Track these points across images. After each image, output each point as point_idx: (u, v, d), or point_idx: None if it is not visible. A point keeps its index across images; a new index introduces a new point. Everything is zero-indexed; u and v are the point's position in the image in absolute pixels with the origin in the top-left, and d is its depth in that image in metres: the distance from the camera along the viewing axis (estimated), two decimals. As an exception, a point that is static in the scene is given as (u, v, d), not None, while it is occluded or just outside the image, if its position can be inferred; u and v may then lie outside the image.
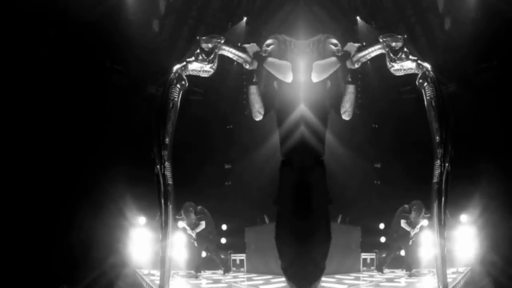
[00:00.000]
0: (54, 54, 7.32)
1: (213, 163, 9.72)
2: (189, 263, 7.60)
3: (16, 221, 6.31)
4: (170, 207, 3.54)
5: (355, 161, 9.34)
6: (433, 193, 3.55)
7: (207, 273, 8.01)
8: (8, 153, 6.60)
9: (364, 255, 8.67)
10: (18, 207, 6.42)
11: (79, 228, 6.77)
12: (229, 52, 3.77)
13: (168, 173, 3.54)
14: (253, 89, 3.64)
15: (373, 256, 8.74)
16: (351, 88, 3.69)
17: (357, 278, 7.37)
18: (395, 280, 6.94)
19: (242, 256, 8.76)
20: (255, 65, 3.65)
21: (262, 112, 3.68)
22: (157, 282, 5.95)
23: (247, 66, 3.70)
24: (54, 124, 7.17)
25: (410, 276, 7.12)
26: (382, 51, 3.80)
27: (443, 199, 3.52)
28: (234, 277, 7.80)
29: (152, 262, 7.50)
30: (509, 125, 7.53)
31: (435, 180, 3.56)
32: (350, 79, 3.71)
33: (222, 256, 8.21)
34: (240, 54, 3.71)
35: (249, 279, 7.56)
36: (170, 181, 3.56)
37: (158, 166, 3.52)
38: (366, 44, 3.84)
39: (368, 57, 3.83)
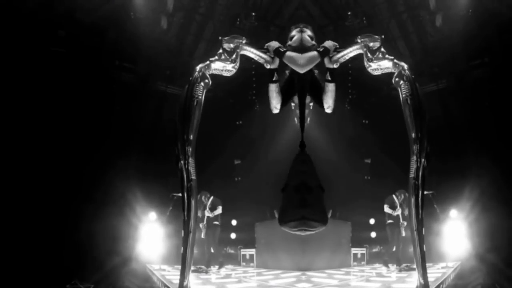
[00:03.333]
0: (63, 53, 7.41)
1: (222, 158, 9.76)
2: (199, 258, 7.67)
3: (27, 217, 6.43)
4: (193, 202, 3.58)
5: (345, 157, 9.36)
6: (410, 188, 3.59)
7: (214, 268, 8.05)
8: (21, 147, 6.73)
9: (354, 250, 8.72)
10: (28, 203, 6.53)
11: (90, 223, 6.85)
12: (250, 52, 3.97)
13: (192, 169, 3.62)
14: (272, 87, 3.88)
15: (364, 251, 8.78)
16: (331, 86, 3.88)
17: (348, 273, 7.40)
18: (385, 275, 6.96)
19: (252, 251, 8.82)
20: (276, 64, 3.82)
21: (279, 107, 3.97)
22: (168, 277, 6.07)
23: (268, 66, 3.88)
24: (65, 120, 7.27)
25: (400, 270, 7.15)
26: (360, 51, 3.96)
27: (420, 193, 3.55)
28: (244, 272, 7.86)
29: (162, 257, 7.60)
30: (500, 120, 7.52)
31: (411, 175, 3.62)
32: (329, 78, 3.89)
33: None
34: (262, 54, 3.92)
35: (258, 274, 7.62)
36: (193, 176, 3.63)
37: (182, 162, 3.59)
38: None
39: (347, 57, 4.02)
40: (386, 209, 7.63)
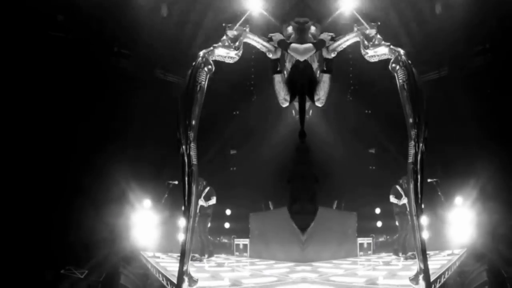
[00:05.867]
0: (62, 38, 7.37)
1: (218, 148, 9.77)
2: (194, 246, 7.72)
3: (21, 203, 6.43)
4: (194, 187, 3.55)
5: (350, 148, 9.37)
6: (409, 173, 3.59)
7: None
8: (18, 134, 6.71)
9: (360, 240, 8.78)
10: (22, 189, 6.53)
11: (85, 211, 6.87)
12: (253, 40, 3.95)
13: (193, 154, 3.60)
14: (278, 78, 3.94)
15: (370, 241, 8.84)
16: (325, 77, 3.94)
17: (355, 263, 7.46)
18: (392, 263, 7.02)
19: (246, 241, 8.88)
20: (278, 54, 3.83)
21: (288, 99, 3.97)
22: (162, 264, 6.12)
23: (271, 55, 3.90)
24: (61, 106, 7.25)
25: (406, 259, 7.22)
26: (357, 39, 3.94)
27: (419, 178, 3.55)
28: (237, 261, 7.93)
29: (156, 244, 7.64)
30: (501, 107, 7.50)
31: (410, 160, 3.61)
32: (325, 68, 3.88)
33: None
34: (265, 43, 3.90)
35: (252, 263, 7.68)
36: (195, 161, 3.61)
37: (184, 147, 3.56)
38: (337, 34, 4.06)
39: (344, 45, 4.03)
40: (392, 199, 7.67)
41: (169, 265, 5.92)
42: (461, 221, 7.29)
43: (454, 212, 7.42)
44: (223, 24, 3.96)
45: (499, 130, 7.43)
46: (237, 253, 8.91)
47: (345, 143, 9.30)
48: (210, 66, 3.77)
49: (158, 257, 7.13)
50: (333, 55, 3.97)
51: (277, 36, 3.92)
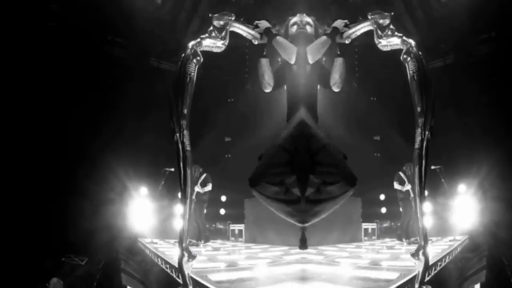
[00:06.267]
0: (56, 28, 7.38)
1: (213, 135, 9.86)
2: (190, 231, 7.86)
3: (19, 191, 6.52)
4: (188, 171, 3.76)
5: (355, 135, 9.46)
6: (415, 159, 3.78)
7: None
8: (12, 122, 6.77)
9: (365, 225, 8.97)
10: (20, 178, 6.61)
11: (82, 199, 6.97)
12: (239, 29, 4.03)
13: (186, 141, 3.76)
14: (263, 62, 3.94)
15: (374, 226, 9.02)
16: (339, 61, 3.95)
17: (359, 247, 7.64)
18: (395, 247, 7.21)
19: (241, 227, 9.04)
20: (264, 39, 3.90)
21: (272, 84, 3.99)
22: (161, 249, 6.26)
23: (256, 42, 3.96)
24: (56, 95, 7.30)
25: (409, 243, 7.38)
26: (371, 27, 4.01)
27: (423, 163, 3.74)
28: (233, 245, 8.10)
29: (153, 231, 7.77)
30: (506, 95, 7.60)
31: (416, 146, 3.78)
32: (339, 52, 3.96)
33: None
34: (250, 31, 4.00)
35: (247, 247, 7.86)
36: (188, 148, 3.78)
37: (177, 134, 3.72)
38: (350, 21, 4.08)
39: (358, 33, 4.06)
40: (396, 185, 7.79)
41: (167, 250, 6.07)
42: (464, 209, 7.40)
43: (457, 200, 7.54)
44: (209, 15, 4.03)
45: (504, 118, 7.54)
46: (232, 238, 9.09)
47: (350, 131, 9.40)
48: (198, 58, 3.88)
49: (156, 243, 7.27)
50: (347, 41, 4.06)
51: (263, 24, 4.00)
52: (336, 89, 4.02)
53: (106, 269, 6.11)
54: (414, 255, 3.59)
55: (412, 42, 3.91)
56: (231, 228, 9.21)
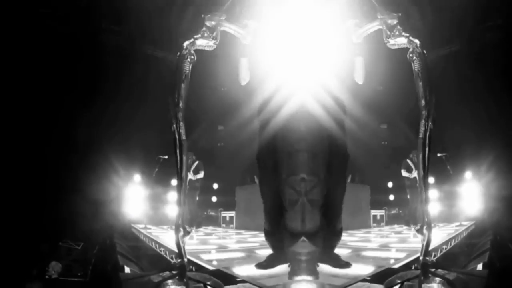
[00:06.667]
0: (48, 14, 7.39)
1: (206, 124, 9.97)
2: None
3: (8, 178, 6.59)
4: (184, 157, 4.19)
5: (362, 123, 9.54)
6: (419, 146, 4.31)
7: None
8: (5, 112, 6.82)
9: (374, 212, 9.18)
10: (12, 163, 6.67)
11: (74, 185, 7.06)
12: (230, 28, 4.33)
13: (182, 131, 4.13)
14: (243, 61, 4.36)
15: (383, 213, 9.25)
16: (359, 60, 4.43)
17: (368, 232, 7.86)
18: (403, 233, 7.50)
19: (232, 214, 9.25)
20: (249, 40, 4.14)
21: (247, 79, 4.42)
22: (154, 234, 6.45)
23: (245, 42, 4.25)
24: (49, 81, 7.33)
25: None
26: (379, 27, 4.31)
27: (427, 149, 4.25)
28: (224, 232, 8.31)
29: (147, 217, 7.94)
30: None
31: (420, 136, 4.25)
32: (357, 52, 4.39)
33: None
34: (239, 30, 4.24)
35: (238, 233, 8.07)
36: (184, 137, 4.17)
37: (174, 125, 4.10)
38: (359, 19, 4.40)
39: (368, 32, 4.36)
40: (404, 172, 7.93)
41: (161, 235, 6.25)
42: (470, 195, 7.59)
43: (464, 186, 7.74)
44: (202, 15, 4.27)
45: (511, 105, 7.48)
46: (223, 225, 9.30)
47: (357, 120, 9.46)
48: (192, 56, 4.20)
49: (150, 228, 7.45)
50: (360, 40, 4.38)
51: (252, 24, 4.25)
52: (360, 82, 4.52)
53: (101, 253, 6.25)
54: (419, 231, 4.04)
55: (417, 42, 4.23)
56: (222, 215, 9.41)
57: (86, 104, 7.69)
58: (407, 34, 4.26)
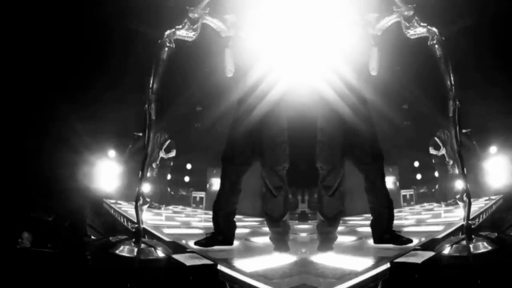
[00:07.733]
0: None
1: (184, 104, 10.03)
2: (151, 195, 8.19)
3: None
4: (151, 135, 4.58)
5: (383, 105, 9.58)
6: (450, 123, 4.61)
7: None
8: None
9: (403, 192, 9.47)
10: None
11: (46, 160, 7.08)
12: (211, 22, 4.48)
13: (153, 112, 4.53)
14: (227, 52, 4.56)
15: (412, 192, 9.58)
16: (375, 50, 4.65)
17: (400, 211, 8.20)
18: (434, 210, 7.84)
19: (202, 194, 9.44)
20: (231, 33, 4.31)
21: (233, 70, 4.61)
22: (124, 208, 6.59)
23: (223, 35, 4.40)
24: (32, 53, 7.28)
25: (447, 205, 7.94)
26: (398, 19, 4.66)
27: (457, 126, 4.53)
28: (193, 211, 8.51)
29: (119, 193, 8.04)
30: None
31: (450, 114, 4.57)
32: (373, 43, 4.63)
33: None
34: (220, 25, 4.41)
35: (205, 213, 8.28)
36: (153, 117, 4.56)
37: (146, 105, 4.50)
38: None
39: (387, 25, 4.70)
40: (432, 150, 8.25)
41: (131, 210, 6.39)
42: (497, 170, 7.72)
43: (490, 161, 7.87)
44: (186, 7, 4.42)
45: None
46: (193, 205, 9.49)
47: (378, 101, 9.53)
48: (171, 45, 4.53)
49: (120, 204, 7.57)
50: (379, 33, 4.59)
51: (231, 18, 4.43)
52: (374, 74, 4.78)
53: (72, 226, 6.35)
54: (459, 198, 4.31)
55: (436, 30, 4.58)
56: (193, 195, 9.59)
57: (64, 78, 7.66)
58: (425, 24, 4.60)
